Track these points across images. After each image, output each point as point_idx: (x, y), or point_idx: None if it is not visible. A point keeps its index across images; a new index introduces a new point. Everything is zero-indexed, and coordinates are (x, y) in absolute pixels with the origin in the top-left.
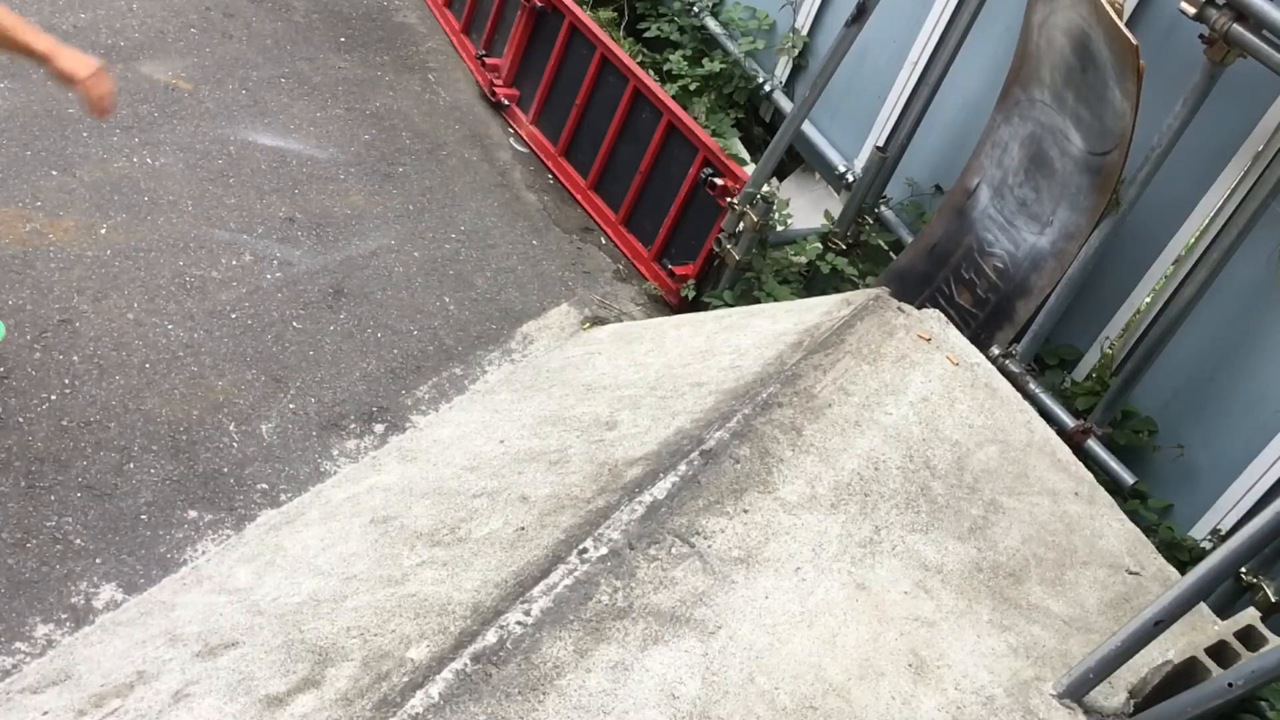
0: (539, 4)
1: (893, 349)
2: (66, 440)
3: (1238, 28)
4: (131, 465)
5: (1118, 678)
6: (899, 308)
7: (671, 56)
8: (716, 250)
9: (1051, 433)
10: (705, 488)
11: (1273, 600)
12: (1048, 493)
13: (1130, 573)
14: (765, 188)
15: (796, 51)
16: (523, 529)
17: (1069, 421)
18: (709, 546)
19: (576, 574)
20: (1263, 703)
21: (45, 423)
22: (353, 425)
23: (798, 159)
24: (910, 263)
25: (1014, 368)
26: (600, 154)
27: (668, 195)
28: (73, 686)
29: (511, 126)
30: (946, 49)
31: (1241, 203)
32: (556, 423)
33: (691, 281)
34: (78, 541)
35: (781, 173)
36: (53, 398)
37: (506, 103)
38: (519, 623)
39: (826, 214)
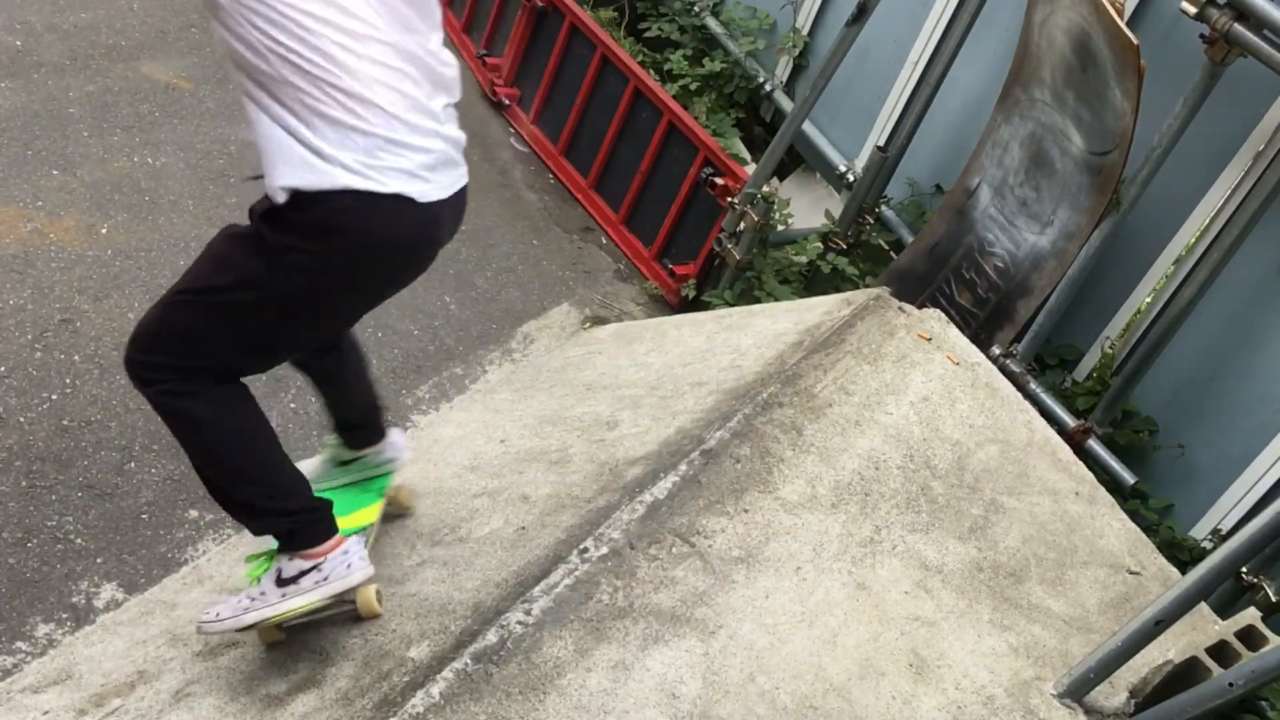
0: (539, 4)
1: (893, 349)
2: (67, 440)
3: (1238, 27)
4: (132, 465)
5: (1118, 677)
6: (899, 307)
7: (672, 56)
8: (717, 250)
9: (1052, 432)
10: (706, 487)
11: (1273, 600)
12: (1048, 492)
13: (1131, 573)
14: (766, 187)
15: (797, 51)
16: (523, 528)
17: (1069, 421)
18: (709, 546)
19: (577, 573)
20: (1263, 702)
21: (46, 422)
22: None
23: (798, 159)
24: (911, 262)
25: (1014, 367)
26: (601, 154)
27: (668, 195)
28: (73, 686)
29: (512, 126)
30: (947, 49)
31: (1242, 203)
32: (557, 422)
33: (692, 281)
34: (79, 541)
35: (782, 173)
36: (53, 397)
37: (507, 102)
38: (520, 622)
39: (827, 214)
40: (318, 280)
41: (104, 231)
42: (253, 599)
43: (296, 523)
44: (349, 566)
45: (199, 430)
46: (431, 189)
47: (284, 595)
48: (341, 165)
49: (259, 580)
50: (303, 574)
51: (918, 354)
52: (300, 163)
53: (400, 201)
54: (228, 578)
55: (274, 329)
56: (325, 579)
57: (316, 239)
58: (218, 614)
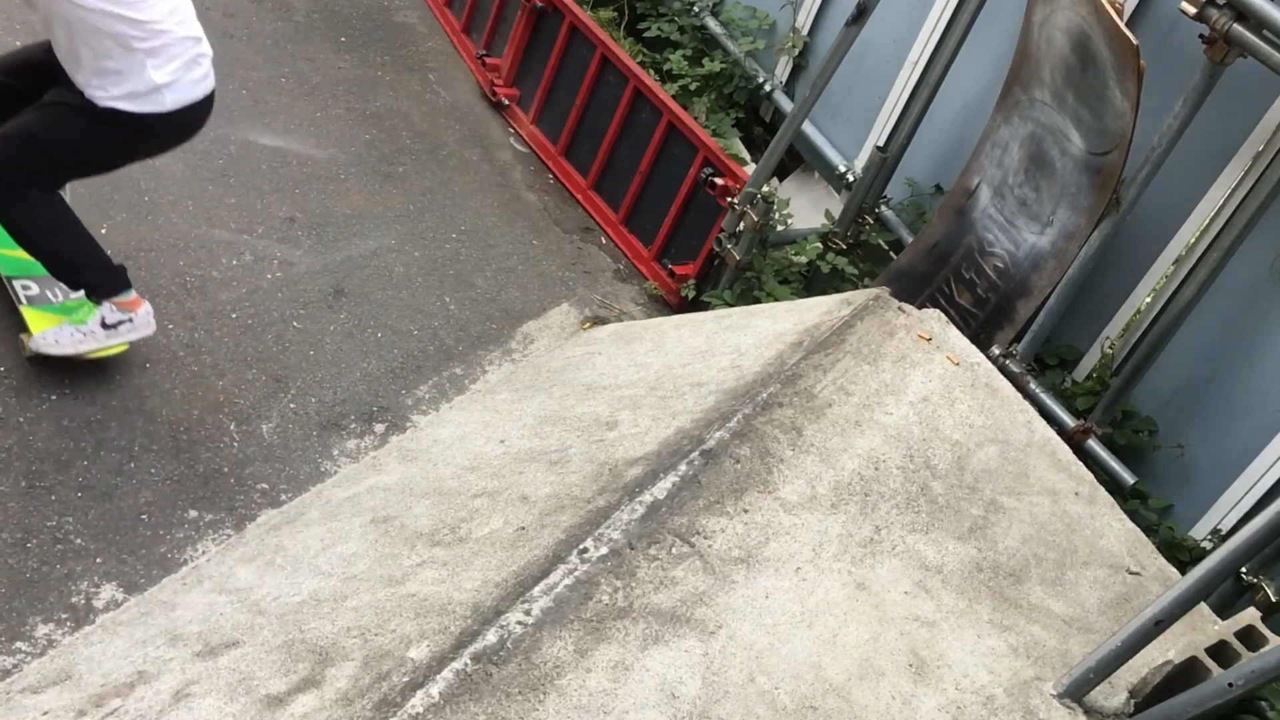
0: (539, 4)
1: (893, 349)
2: (67, 440)
3: (1238, 27)
4: (132, 465)
5: (1118, 678)
6: (899, 308)
7: (671, 56)
8: (717, 250)
9: (1052, 432)
10: (705, 488)
11: (1273, 600)
12: (1048, 493)
13: (1130, 573)
14: (765, 187)
15: (797, 51)
16: (523, 529)
17: (1069, 421)
18: (709, 546)
19: (577, 574)
20: (1263, 702)
21: (46, 422)
22: (353, 425)
23: (798, 159)
24: (910, 262)
25: (1014, 367)
26: (600, 154)
27: (668, 195)
28: (73, 686)
29: (512, 126)
30: (947, 49)
31: (1242, 203)
32: (557, 422)
33: (692, 281)
34: (78, 541)
35: (782, 173)
36: (53, 397)
37: (507, 102)
38: (519, 622)
39: (827, 214)
40: (133, 145)
41: (103, 231)
42: (84, 335)
43: (113, 275)
44: (149, 323)
45: (39, 215)
46: (210, 80)
47: (108, 336)
48: (169, 90)
49: (87, 322)
50: (120, 322)
51: (917, 354)
52: (140, 96)
53: (206, 100)
54: (227, 577)
55: (87, 165)
56: (135, 328)
57: (141, 130)
58: (56, 340)
